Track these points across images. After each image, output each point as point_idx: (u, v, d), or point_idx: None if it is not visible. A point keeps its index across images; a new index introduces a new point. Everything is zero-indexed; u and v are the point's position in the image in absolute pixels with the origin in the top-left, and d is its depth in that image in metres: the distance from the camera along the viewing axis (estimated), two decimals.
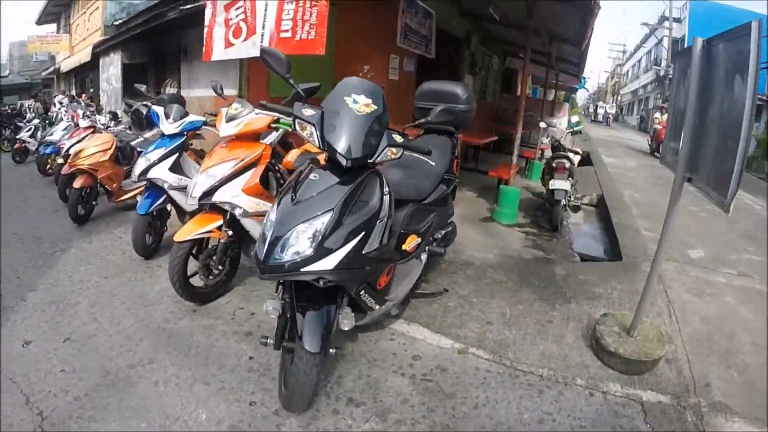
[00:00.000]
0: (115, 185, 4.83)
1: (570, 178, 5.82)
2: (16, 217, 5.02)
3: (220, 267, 3.01)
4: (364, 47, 5.29)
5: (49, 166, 7.26)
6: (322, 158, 2.04)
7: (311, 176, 1.89)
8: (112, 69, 9.93)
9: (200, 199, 2.72)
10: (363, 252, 1.85)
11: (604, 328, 2.68)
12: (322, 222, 1.75)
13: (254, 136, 2.96)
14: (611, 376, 2.46)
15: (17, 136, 9.79)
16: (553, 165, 5.90)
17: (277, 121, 2.95)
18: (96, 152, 4.61)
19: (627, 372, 2.47)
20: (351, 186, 1.86)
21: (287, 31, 4.75)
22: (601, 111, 36.30)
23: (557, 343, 2.71)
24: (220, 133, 2.87)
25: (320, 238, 1.72)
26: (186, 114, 3.74)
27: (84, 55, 11.62)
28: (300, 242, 1.72)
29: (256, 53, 5.04)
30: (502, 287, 3.44)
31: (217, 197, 2.74)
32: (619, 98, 46.38)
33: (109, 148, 4.73)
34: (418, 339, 2.68)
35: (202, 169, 2.79)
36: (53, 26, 20.47)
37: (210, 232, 2.81)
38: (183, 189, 3.66)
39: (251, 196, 2.83)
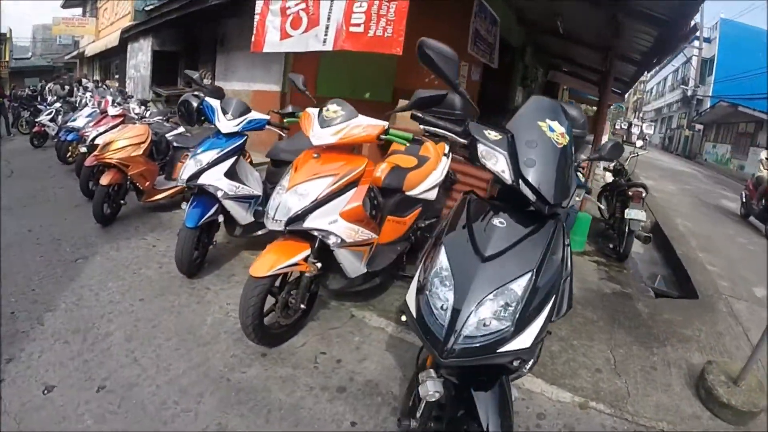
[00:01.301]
0: (147, 184, 4.26)
1: (645, 208, 5.29)
2: (32, 211, 4.45)
3: (301, 305, 2.44)
4: None
5: (69, 154, 6.72)
6: (481, 191, 1.46)
7: (495, 222, 1.33)
8: (140, 55, 9.46)
9: (288, 224, 2.16)
10: (552, 320, 1.31)
11: (713, 378, 2.59)
12: (520, 286, 1.23)
13: (351, 147, 2.40)
14: (720, 426, 2.35)
15: (36, 119, 9.29)
16: (630, 193, 5.36)
17: (386, 132, 2.35)
18: (128, 145, 4.04)
19: (736, 423, 2.40)
20: (546, 239, 1.35)
21: (358, 25, 4.23)
22: (635, 130, 35.21)
23: (666, 393, 2.56)
24: (312, 140, 2.26)
25: (521, 308, 1.22)
26: (247, 110, 3.15)
27: (111, 40, 11.18)
28: (496, 314, 1.21)
29: (319, 47, 4.54)
30: (596, 327, 3.27)
31: (310, 223, 2.16)
32: (641, 115, 45.69)
33: (144, 142, 4.17)
34: (535, 392, 2.41)
35: (288, 186, 2.18)
36: (79, 10, 20.22)
37: (296, 264, 2.22)
38: (239, 199, 3.09)
39: (351, 222, 2.26)
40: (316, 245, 2.25)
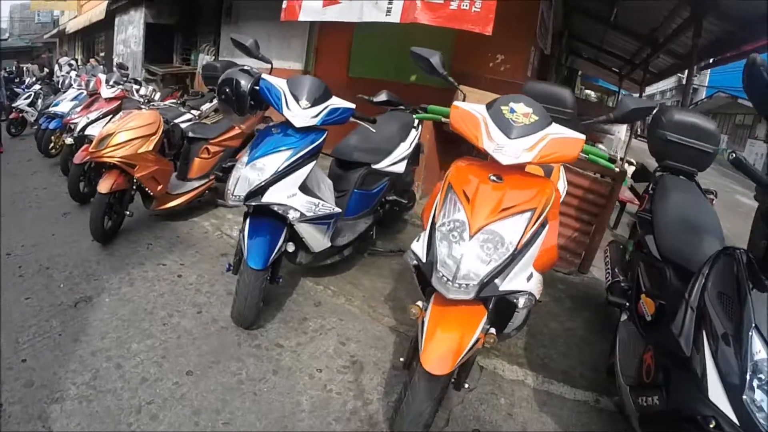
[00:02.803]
0: (160, 188, 3.26)
1: None
2: (11, 223, 3.43)
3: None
4: (501, 34, 3.58)
5: (52, 145, 5.64)
6: None
7: None
8: (131, 29, 8.27)
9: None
10: None
11: None
12: None
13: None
14: None
15: (13, 105, 8.11)
16: None
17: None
18: (134, 138, 3.03)
19: None
20: None
21: None
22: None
23: None
24: (499, 157, 1.45)
25: None
26: (327, 94, 2.16)
27: (96, 13, 9.91)
28: None
29: (381, 17, 3.51)
30: None
31: (507, 285, 1.38)
32: None
33: (154, 133, 3.15)
34: None
35: (475, 230, 1.37)
36: None
37: (477, 342, 1.41)
38: (317, 220, 2.15)
39: (540, 271, 1.51)
40: (491, 306, 1.48)
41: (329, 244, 2.43)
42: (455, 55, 4.68)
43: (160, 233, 3.40)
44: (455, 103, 1.61)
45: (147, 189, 3.20)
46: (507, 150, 1.45)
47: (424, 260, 1.46)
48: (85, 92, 5.63)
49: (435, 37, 4.14)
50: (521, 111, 1.52)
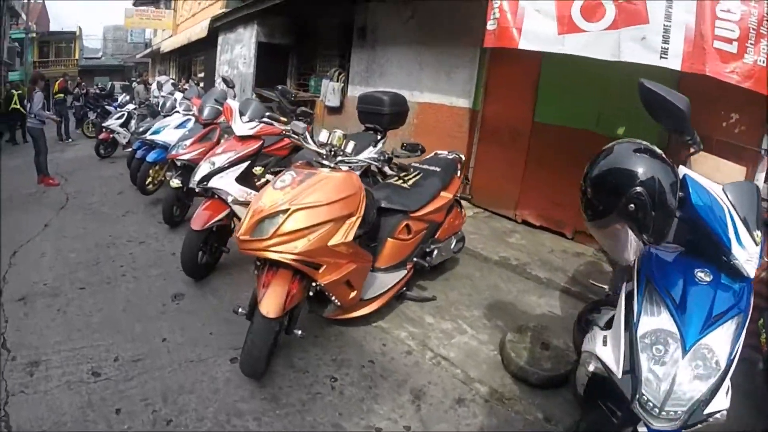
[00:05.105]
0: (353, 295, 1.90)
1: None
2: (95, 298, 2.30)
3: None
4: (740, 88, 2.67)
5: (150, 180, 4.53)
6: None
7: None
8: (239, 48, 7.37)
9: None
10: None
11: None
12: None
13: None
14: None
15: (104, 124, 7.35)
16: None
17: None
18: (320, 224, 1.69)
19: None
20: None
21: (729, 40, 2.63)
22: None
23: None
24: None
25: None
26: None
27: (197, 31, 9.26)
28: None
29: (652, 59, 2.70)
30: None
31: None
32: None
33: (354, 213, 1.82)
34: None
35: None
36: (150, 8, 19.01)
37: None
38: None
39: None
40: None
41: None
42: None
43: (339, 353, 2.09)
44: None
45: (334, 298, 1.83)
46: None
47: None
48: (192, 118, 4.58)
49: (652, 79, 2.95)
50: None
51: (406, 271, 2.36)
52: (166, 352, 1.99)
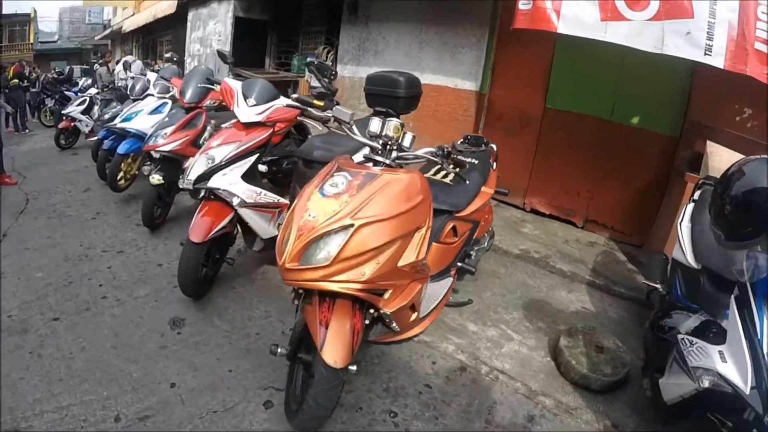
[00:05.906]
0: (414, 317, 1.59)
1: None
2: (78, 332, 1.89)
3: None
4: (756, 83, 2.61)
5: (122, 175, 3.96)
6: None
7: None
8: (212, 24, 6.72)
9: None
10: None
11: None
12: None
13: None
14: None
15: (63, 111, 6.61)
16: None
17: None
18: (383, 245, 1.32)
19: None
20: None
21: (767, 42, 2.55)
22: None
23: None
24: None
25: None
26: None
27: (163, 8, 8.49)
28: None
29: (695, 55, 2.60)
30: None
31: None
32: None
33: (422, 225, 1.45)
34: None
35: None
36: None
37: None
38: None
39: None
40: None
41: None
42: (691, 100, 3.22)
43: (389, 380, 1.81)
44: None
45: (395, 324, 1.45)
46: None
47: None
48: (168, 101, 4.02)
49: (665, 72, 3.20)
50: None
51: (451, 279, 2.04)
52: (180, 402, 1.59)
